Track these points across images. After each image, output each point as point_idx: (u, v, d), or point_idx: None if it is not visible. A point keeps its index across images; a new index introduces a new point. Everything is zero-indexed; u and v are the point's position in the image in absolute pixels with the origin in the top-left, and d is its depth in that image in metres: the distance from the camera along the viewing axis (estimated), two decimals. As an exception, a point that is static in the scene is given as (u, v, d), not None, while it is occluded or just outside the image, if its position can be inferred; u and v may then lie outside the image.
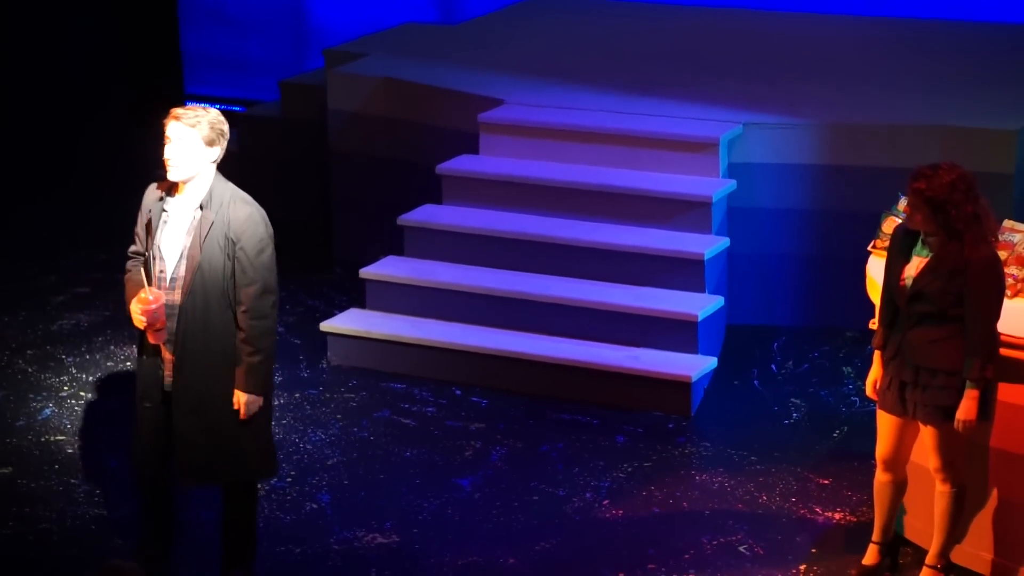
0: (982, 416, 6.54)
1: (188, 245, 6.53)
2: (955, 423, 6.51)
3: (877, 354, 6.76)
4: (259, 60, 13.27)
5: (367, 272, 9.32)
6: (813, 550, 7.28)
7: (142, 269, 6.63)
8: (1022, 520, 6.81)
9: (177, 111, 6.52)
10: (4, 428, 8.44)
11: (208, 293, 6.51)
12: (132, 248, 6.75)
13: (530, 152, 9.60)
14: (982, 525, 6.90)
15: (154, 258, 6.57)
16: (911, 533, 7.12)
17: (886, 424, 6.75)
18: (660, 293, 8.90)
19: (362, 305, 9.34)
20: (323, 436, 8.37)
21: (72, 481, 7.86)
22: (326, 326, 9.20)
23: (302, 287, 10.22)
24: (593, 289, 8.95)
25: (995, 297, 6.49)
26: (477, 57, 10.77)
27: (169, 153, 6.50)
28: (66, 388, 8.88)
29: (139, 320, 6.49)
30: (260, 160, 11.15)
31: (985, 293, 6.45)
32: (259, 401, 6.62)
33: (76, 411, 8.60)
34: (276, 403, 8.70)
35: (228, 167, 11.04)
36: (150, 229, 6.58)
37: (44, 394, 8.84)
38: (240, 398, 6.58)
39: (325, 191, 10.79)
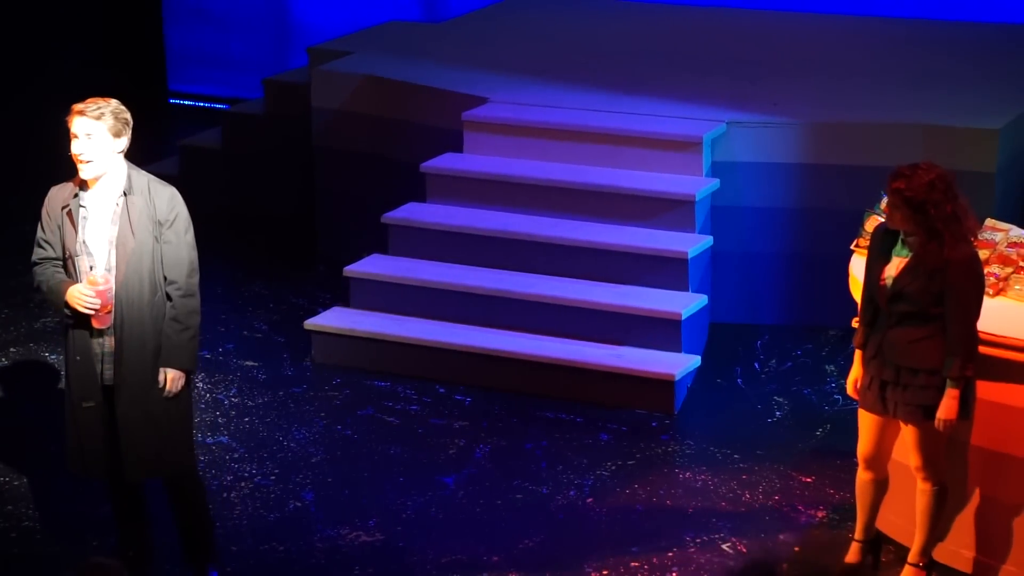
0: (962, 415, 6.56)
1: (117, 234, 6.51)
2: (936, 422, 6.53)
3: (858, 353, 6.78)
4: (243, 58, 13.26)
5: (351, 270, 9.31)
6: (796, 548, 7.30)
7: (62, 269, 6.59)
8: (1004, 518, 6.83)
9: (78, 106, 6.48)
10: (-13, 426, 8.45)
11: (142, 278, 6.52)
12: (40, 255, 6.64)
13: (514, 150, 9.60)
14: (964, 523, 6.92)
15: (79, 254, 6.53)
16: (893, 531, 7.14)
17: (867, 423, 6.77)
18: (644, 291, 8.91)
19: (346, 303, 9.33)
20: (307, 434, 8.37)
21: (55, 479, 7.84)
22: (310, 324, 9.19)
23: (286, 285, 10.21)
24: (577, 287, 8.96)
25: (975, 296, 6.50)
26: (461, 55, 10.77)
27: (78, 149, 6.46)
28: (49, 386, 8.86)
29: (91, 303, 6.44)
30: (244, 158, 11.15)
31: (965, 292, 6.47)
32: (183, 378, 6.62)
33: (59, 409, 8.56)
34: (260, 401, 8.71)
35: (213, 164, 11.09)
36: (73, 226, 6.52)
37: (27, 392, 8.82)
38: (168, 374, 6.59)
39: (309, 189, 10.79)
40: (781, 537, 7.35)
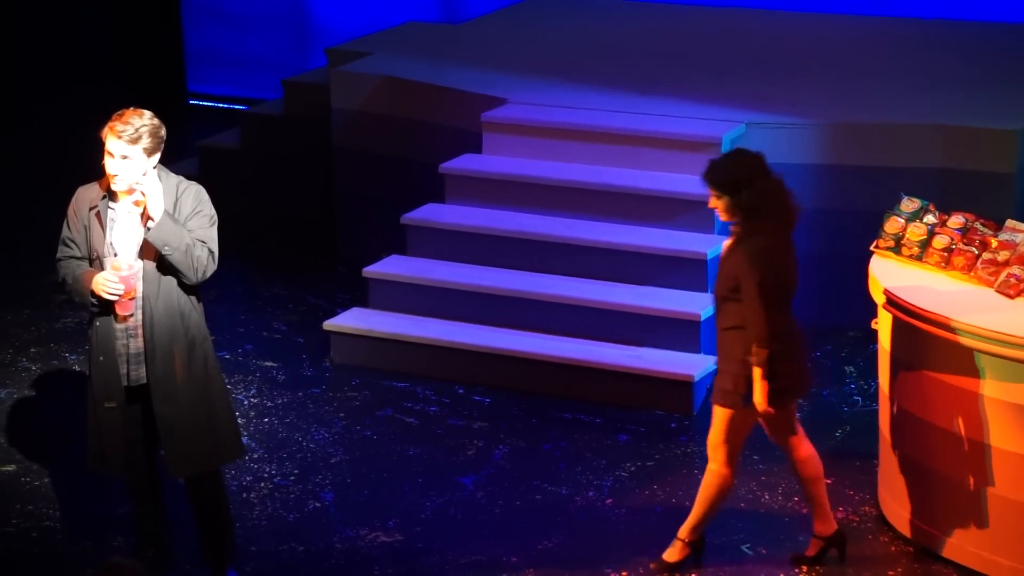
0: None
1: (144, 236, 6.50)
2: (756, 405, 6.70)
3: None
4: (262, 59, 13.29)
5: (370, 271, 9.33)
6: (815, 549, 7.29)
7: (86, 265, 6.57)
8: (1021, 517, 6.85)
9: (116, 127, 6.38)
10: (8, 426, 8.47)
11: (170, 280, 6.51)
12: (64, 253, 6.62)
13: (533, 151, 9.61)
14: (984, 523, 6.91)
15: (106, 255, 6.51)
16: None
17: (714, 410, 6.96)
18: (662, 292, 8.91)
19: (365, 304, 9.35)
20: (326, 435, 8.39)
21: (75, 478, 7.87)
22: (329, 325, 9.21)
23: (305, 285, 10.23)
24: (596, 288, 8.96)
25: (762, 285, 6.58)
26: (480, 56, 10.78)
27: (114, 169, 6.41)
28: (69, 386, 8.89)
29: (114, 289, 6.42)
30: (263, 158, 11.17)
31: (751, 280, 6.58)
32: (154, 214, 6.38)
33: (79, 409, 8.59)
34: (279, 402, 8.73)
35: (232, 165, 11.11)
36: (101, 227, 6.52)
37: (47, 392, 8.85)
38: (156, 216, 6.39)
39: (328, 190, 10.80)
40: (801, 538, 7.34)
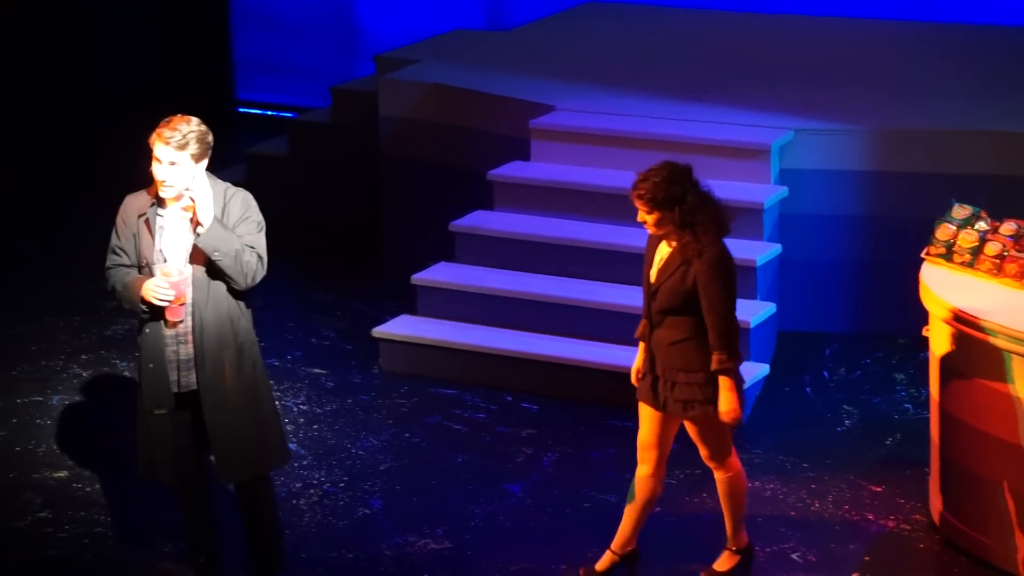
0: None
1: (193, 242, 6.52)
2: (721, 415, 6.68)
3: (641, 344, 6.91)
4: (310, 66, 13.33)
5: (418, 278, 9.33)
6: (866, 558, 7.26)
7: (133, 273, 6.59)
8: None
9: (164, 133, 6.41)
10: (59, 432, 8.52)
11: (219, 285, 6.53)
12: (113, 262, 6.64)
13: (581, 158, 9.60)
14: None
15: (156, 263, 6.53)
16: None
17: (644, 413, 6.93)
18: (711, 299, 8.87)
19: (413, 311, 9.36)
20: (375, 442, 8.40)
21: (126, 485, 7.91)
22: (378, 332, 9.22)
23: (352, 293, 10.25)
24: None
25: (724, 291, 6.59)
26: (527, 63, 10.78)
27: (162, 176, 6.44)
28: (120, 392, 8.93)
29: (164, 294, 6.44)
30: (311, 165, 11.21)
31: (713, 290, 6.57)
32: (202, 217, 6.44)
33: (129, 415, 8.63)
34: (328, 408, 8.74)
35: (280, 172, 11.15)
36: (150, 234, 6.54)
37: (98, 398, 8.90)
38: (202, 220, 6.45)
39: (375, 197, 10.83)
40: (851, 547, 7.31)
